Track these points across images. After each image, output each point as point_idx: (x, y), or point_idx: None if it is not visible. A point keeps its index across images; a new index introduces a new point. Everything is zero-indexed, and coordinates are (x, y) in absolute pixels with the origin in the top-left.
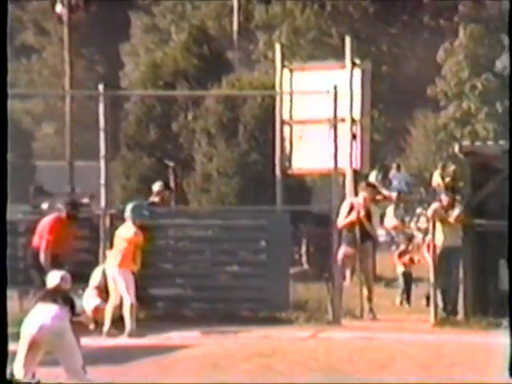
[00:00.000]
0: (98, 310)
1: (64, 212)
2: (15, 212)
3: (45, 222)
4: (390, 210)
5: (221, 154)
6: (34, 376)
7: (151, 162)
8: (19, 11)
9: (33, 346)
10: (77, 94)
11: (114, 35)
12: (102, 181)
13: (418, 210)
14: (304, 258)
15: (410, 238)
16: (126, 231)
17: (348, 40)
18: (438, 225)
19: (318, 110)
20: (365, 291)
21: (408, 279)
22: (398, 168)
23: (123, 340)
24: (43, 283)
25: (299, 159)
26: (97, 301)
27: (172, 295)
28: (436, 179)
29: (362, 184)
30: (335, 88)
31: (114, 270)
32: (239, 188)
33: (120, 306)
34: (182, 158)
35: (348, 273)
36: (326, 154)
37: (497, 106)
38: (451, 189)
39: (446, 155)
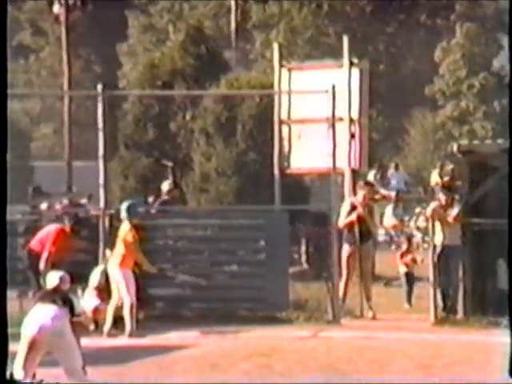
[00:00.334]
0: (97, 311)
1: (68, 225)
2: (14, 212)
3: (49, 231)
4: (389, 209)
5: (219, 154)
6: (34, 377)
7: (149, 161)
8: (16, 11)
9: (33, 346)
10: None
11: (111, 35)
12: (101, 181)
13: (417, 210)
14: (303, 258)
15: (409, 238)
16: (122, 231)
17: (346, 39)
18: (437, 224)
19: (317, 109)
20: (363, 290)
21: (410, 279)
22: (397, 167)
23: (123, 340)
24: (39, 286)
25: (297, 159)
26: (96, 301)
27: (171, 295)
28: (434, 178)
29: (361, 183)
30: (333, 87)
31: (115, 270)
32: (238, 187)
33: (121, 306)
34: (180, 157)
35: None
36: (325, 153)
37: (494, 104)
38: (449, 188)
39: (444, 154)
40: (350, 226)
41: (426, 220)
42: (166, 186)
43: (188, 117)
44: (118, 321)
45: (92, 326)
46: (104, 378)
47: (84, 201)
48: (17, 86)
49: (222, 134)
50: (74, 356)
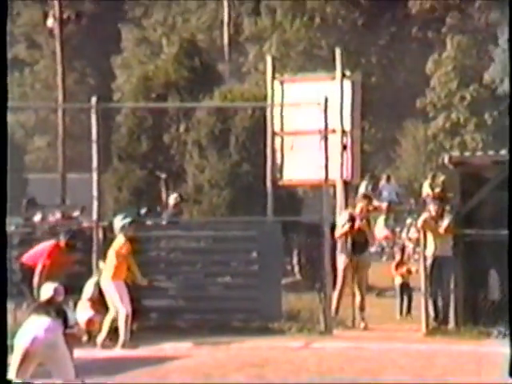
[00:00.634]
0: (91, 322)
1: (63, 240)
2: (8, 224)
3: (43, 246)
4: (381, 220)
5: (212, 166)
6: None
7: (143, 173)
8: (10, 25)
9: (26, 358)
10: (69, 106)
11: (105, 48)
12: (95, 193)
13: (408, 221)
14: (296, 269)
15: (403, 249)
16: (116, 244)
17: (338, 52)
18: (429, 235)
19: (309, 121)
20: (357, 300)
21: (406, 290)
22: (388, 179)
23: (116, 351)
24: (34, 299)
25: (290, 170)
26: (90, 313)
27: (164, 306)
28: (426, 189)
29: (359, 196)
30: (326, 99)
31: (107, 283)
32: (231, 199)
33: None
34: (173, 169)
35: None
36: (317, 164)
37: (485, 116)
38: (441, 199)
39: (436, 166)
40: (346, 236)
41: (418, 231)
42: (172, 200)
43: (181, 129)
44: (111, 332)
45: (85, 338)
46: None
47: (77, 213)
48: (11, 99)
49: (216, 146)
50: (67, 368)
